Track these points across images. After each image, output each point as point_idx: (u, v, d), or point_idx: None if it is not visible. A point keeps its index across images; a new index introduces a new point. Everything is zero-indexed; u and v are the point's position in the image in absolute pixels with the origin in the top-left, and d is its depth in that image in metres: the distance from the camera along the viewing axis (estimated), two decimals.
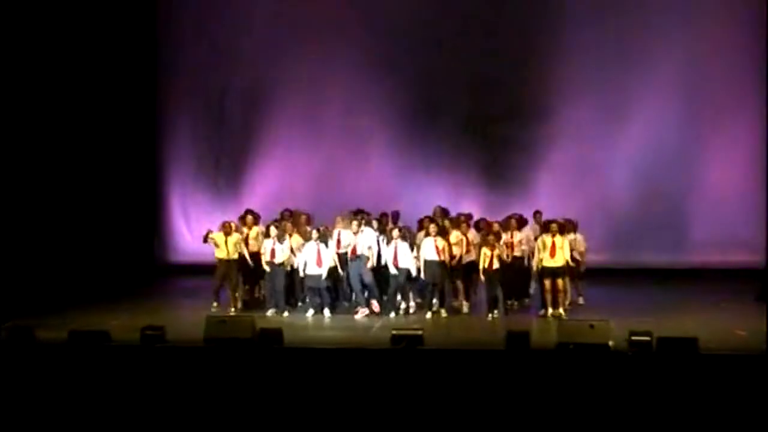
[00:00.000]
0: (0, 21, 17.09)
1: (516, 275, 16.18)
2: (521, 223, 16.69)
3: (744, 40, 19.78)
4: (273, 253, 16.05)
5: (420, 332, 13.07)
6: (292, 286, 16.53)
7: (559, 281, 15.56)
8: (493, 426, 11.95)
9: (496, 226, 16.23)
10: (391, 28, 20.93)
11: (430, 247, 15.68)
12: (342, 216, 16.34)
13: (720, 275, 19.05)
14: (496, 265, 15.44)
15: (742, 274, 18.55)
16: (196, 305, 16.31)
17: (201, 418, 12.25)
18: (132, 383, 12.48)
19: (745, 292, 17.20)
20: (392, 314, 15.87)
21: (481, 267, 15.53)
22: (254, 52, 21.42)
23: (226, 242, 16.19)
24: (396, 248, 15.76)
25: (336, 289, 16.52)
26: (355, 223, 16.02)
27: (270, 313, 16.08)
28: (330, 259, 15.93)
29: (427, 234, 15.82)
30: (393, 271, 15.80)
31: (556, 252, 15.46)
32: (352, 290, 16.27)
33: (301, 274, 16.04)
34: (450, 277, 16.13)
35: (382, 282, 16.26)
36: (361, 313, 15.85)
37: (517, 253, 16.13)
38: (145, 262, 20.88)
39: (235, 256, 16.29)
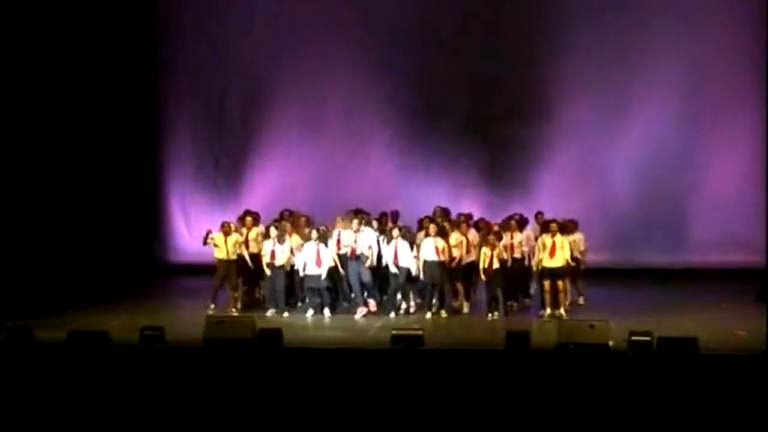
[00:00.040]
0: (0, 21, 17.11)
1: (516, 276, 16.15)
2: (521, 224, 16.66)
3: (744, 40, 19.77)
4: (273, 255, 16.04)
5: (420, 332, 13.07)
6: (292, 286, 16.52)
7: (560, 282, 15.52)
8: (493, 426, 11.95)
9: (495, 228, 16.19)
10: (391, 28, 20.92)
11: (430, 248, 15.67)
12: (342, 217, 16.33)
13: (720, 275, 19.03)
14: (496, 265, 15.42)
15: (742, 274, 18.53)
16: (196, 305, 16.29)
17: (201, 418, 12.25)
18: (131, 384, 12.48)
19: (745, 292, 17.20)
20: (392, 314, 15.87)
21: (481, 267, 15.52)
22: (254, 52, 21.40)
23: (225, 242, 16.17)
24: (396, 247, 15.76)
25: (336, 289, 16.51)
26: (355, 221, 16.01)
27: (270, 313, 16.07)
28: (329, 259, 15.92)
29: (427, 234, 15.81)
30: (393, 270, 15.79)
31: (556, 252, 15.43)
32: (351, 290, 16.27)
33: (301, 274, 16.03)
34: (450, 279, 16.11)
35: (383, 282, 16.27)
36: (360, 313, 15.84)
37: (516, 255, 16.10)
38: (145, 262, 20.86)
39: (235, 256, 16.26)
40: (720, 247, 19.80)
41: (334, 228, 16.25)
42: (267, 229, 16.40)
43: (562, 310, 15.43)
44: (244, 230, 16.64)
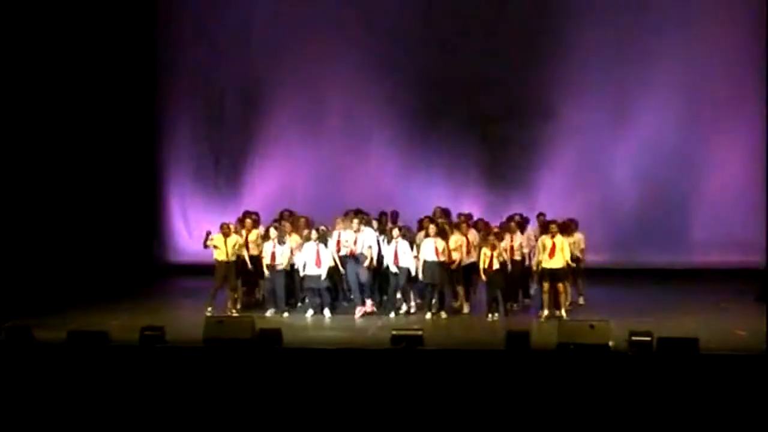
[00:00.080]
0: None
1: (516, 277, 16.11)
2: (522, 225, 16.63)
3: (744, 40, 19.78)
4: (273, 257, 16.02)
5: (420, 332, 13.06)
6: (292, 286, 16.51)
7: (560, 285, 15.45)
8: (493, 426, 11.94)
9: (495, 230, 16.12)
10: (391, 28, 20.92)
11: (430, 248, 15.66)
12: (341, 218, 16.31)
13: (720, 275, 19.03)
14: (496, 265, 15.39)
15: (742, 274, 18.54)
16: (196, 305, 16.26)
17: (200, 418, 12.24)
18: (131, 384, 12.47)
19: (745, 292, 17.21)
20: (392, 314, 15.86)
21: (481, 267, 15.49)
22: (254, 52, 21.42)
23: (225, 244, 16.14)
24: (396, 247, 15.75)
25: (336, 289, 16.50)
26: (356, 221, 15.99)
27: (269, 313, 16.06)
28: (329, 259, 15.91)
29: (427, 234, 15.80)
30: (394, 270, 15.78)
31: (556, 253, 15.40)
32: (351, 290, 16.26)
33: (301, 274, 16.02)
34: (450, 280, 16.09)
35: (383, 282, 16.27)
36: (358, 313, 15.84)
37: (516, 257, 16.05)
38: (145, 262, 20.86)
39: (234, 258, 16.23)
40: (720, 247, 19.80)
41: (333, 229, 16.23)
42: (267, 230, 16.39)
43: (563, 312, 15.40)
44: (244, 232, 16.59)
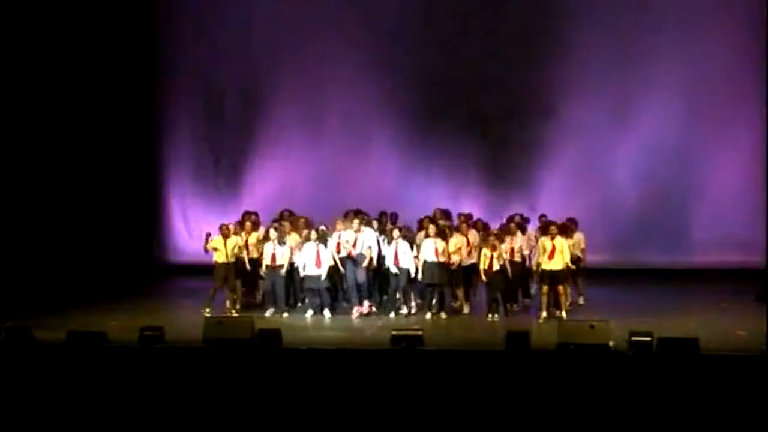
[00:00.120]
0: None
1: (516, 277, 16.08)
2: (522, 225, 16.60)
3: (744, 40, 19.77)
4: (274, 258, 16.01)
5: (420, 333, 13.05)
6: (292, 286, 16.49)
7: (559, 287, 15.41)
8: (493, 426, 11.93)
9: (495, 233, 16.07)
10: (391, 28, 20.92)
11: (430, 249, 15.64)
12: (341, 219, 16.30)
13: (720, 275, 19.02)
14: (496, 266, 15.37)
15: (742, 274, 18.53)
16: (196, 306, 16.25)
17: (200, 418, 12.23)
18: (131, 384, 12.46)
19: (745, 292, 17.20)
20: (392, 314, 15.84)
21: (481, 269, 15.47)
22: (254, 52, 21.42)
23: (225, 246, 16.11)
24: (397, 248, 15.73)
25: (336, 289, 16.49)
26: (356, 221, 15.98)
27: (269, 313, 16.05)
28: (329, 259, 15.89)
29: (427, 235, 15.78)
30: (394, 270, 15.77)
31: (555, 255, 15.36)
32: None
33: (301, 274, 16.01)
34: (450, 281, 16.07)
35: (383, 282, 16.25)
36: (355, 313, 15.83)
37: (517, 258, 16.01)
38: (145, 262, 20.86)
39: (234, 259, 16.20)
40: (720, 247, 19.79)
41: (333, 230, 16.20)
42: (266, 231, 16.36)
43: (563, 313, 15.37)
44: (243, 234, 16.55)
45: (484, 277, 15.48)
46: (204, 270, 17.12)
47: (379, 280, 16.35)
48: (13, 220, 17.20)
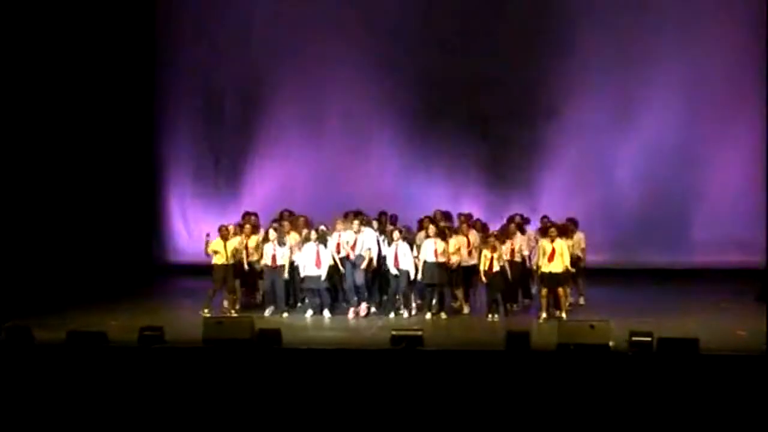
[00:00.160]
0: None
1: (516, 278, 16.07)
2: (522, 226, 16.58)
3: (744, 40, 19.77)
4: (274, 259, 16.00)
5: (420, 333, 13.04)
6: (292, 286, 16.49)
7: (559, 289, 15.38)
8: (493, 426, 11.93)
9: (495, 234, 16.04)
10: (391, 28, 20.92)
11: (430, 249, 15.63)
12: (341, 219, 16.29)
13: (720, 275, 19.02)
14: (496, 267, 15.36)
15: (742, 274, 18.53)
16: (195, 306, 16.23)
17: (200, 419, 12.22)
18: (130, 384, 12.46)
19: (745, 292, 17.20)
20: (392, 314, 15.83)
21: (481, 269, 15.46)
22: (254, 52, 21.42)
23: (225, 247, 16.10)
24: (397, 249, 15.71)
25: (335, 289, 16.47)
26: (356, 222, 15.96)
27: (269, 313, 16.04)
28: (329, 260, 15.88)
29: (427, 235, 15.77)
30: (394, 271, 15.75)
31: (555, 257, 15.33)
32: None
33: (301, 274, 16.00)
34: (450, 282, 16.05)
35: (383, 283, 16.23)
36: (351, 314, 15.81)
37: (517, 259, 16.00)
38: (144, 262, 20.85)
39: (233, 260, 16.17)
40: (720, 247, 19.79)
41: (333, 230, 16.19)
42: (266, 232, 16.35)
43: (563, 313, 15.36)
44: (243, 236, 16.51)
45: (484, 279, 15.47)
46: (204, 270, 17.08)
47: (379, 281, 16.33)
48: (13, 221, 17.19)
